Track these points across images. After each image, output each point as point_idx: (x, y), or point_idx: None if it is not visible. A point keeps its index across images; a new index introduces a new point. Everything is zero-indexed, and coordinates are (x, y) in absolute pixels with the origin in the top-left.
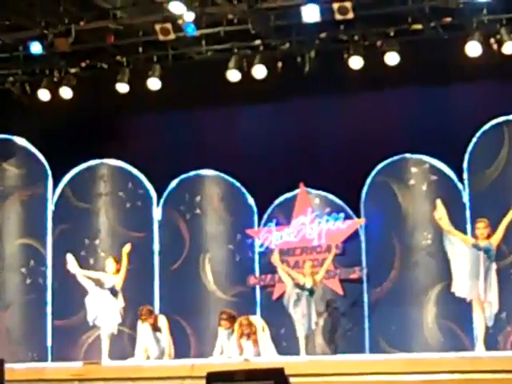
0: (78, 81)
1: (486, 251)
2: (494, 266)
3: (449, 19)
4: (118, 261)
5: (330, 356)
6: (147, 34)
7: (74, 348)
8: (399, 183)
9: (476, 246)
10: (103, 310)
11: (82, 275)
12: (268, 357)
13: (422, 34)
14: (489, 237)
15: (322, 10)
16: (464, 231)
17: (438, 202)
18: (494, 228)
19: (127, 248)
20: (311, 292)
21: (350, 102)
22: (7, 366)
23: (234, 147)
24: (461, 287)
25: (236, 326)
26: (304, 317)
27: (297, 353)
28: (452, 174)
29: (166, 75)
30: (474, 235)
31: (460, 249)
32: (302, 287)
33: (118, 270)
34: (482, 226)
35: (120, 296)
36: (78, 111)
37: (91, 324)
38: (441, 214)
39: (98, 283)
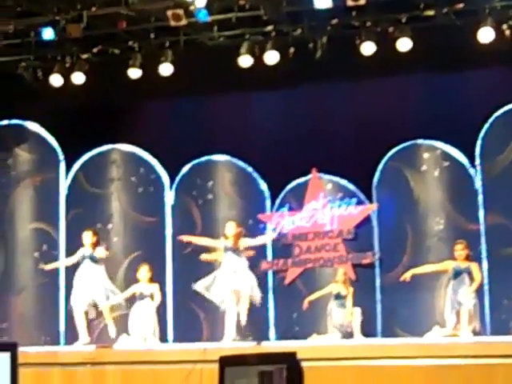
0: (89, 66)
1: (469, 273)
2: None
3: (461, 5)
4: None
5: (342, 340)
6: (159, 19)
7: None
8: (411, 169)
9: (457, 269)
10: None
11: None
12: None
13: (434, 20)
14: (467, 258)
15: None
16: (476, 217)
17: None
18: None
19: None
20: (345, 298)
21: (361, 87)
22: (20, 349)
23: (247, 132)
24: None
25: None
26: (342, 326)
27: (309, 337)
28: (464, 160)
29: (178, 61)
30: (453, 257)
31: None
32: (337, 296)
33: (151, 279)
34: (460, 248)
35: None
36: (90, 97)
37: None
38: (410, 274)
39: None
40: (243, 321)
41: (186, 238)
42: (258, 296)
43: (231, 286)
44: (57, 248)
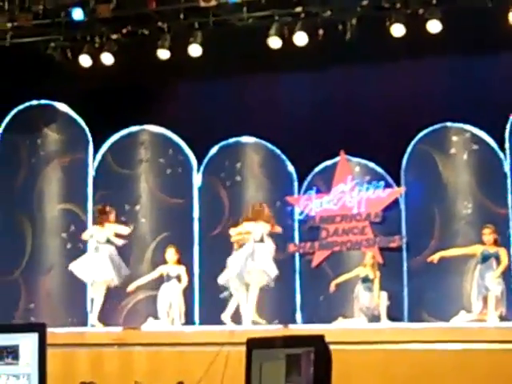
0: (119, 47)
1: (497, 258)
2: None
3: None
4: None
5: (369, 324)
6: (188, 0)
7: (114, 313)
8: (440, 152)
9: (485, 253)
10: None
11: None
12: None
13: (464, 2)
14: (495, 242)
15: None
16: (505, 201)
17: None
18: None
19: None
20: (372, 282)
21: (391, 69)
22: (48, 330)
23: (275, 114)
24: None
25: None
26: (368, 309)
27: (335, 320)
28: (493, 143)
29: (207, 42)
30: (481, 241)
31: None
32: (364, 280)
33: (178, 261)
34: (487, 232)
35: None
36: (119, 77)
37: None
38: (438, 256)
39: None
40: (252, 305)
41: None
42: (267, 279)
43: (236, 270)
44: (84, 229)
